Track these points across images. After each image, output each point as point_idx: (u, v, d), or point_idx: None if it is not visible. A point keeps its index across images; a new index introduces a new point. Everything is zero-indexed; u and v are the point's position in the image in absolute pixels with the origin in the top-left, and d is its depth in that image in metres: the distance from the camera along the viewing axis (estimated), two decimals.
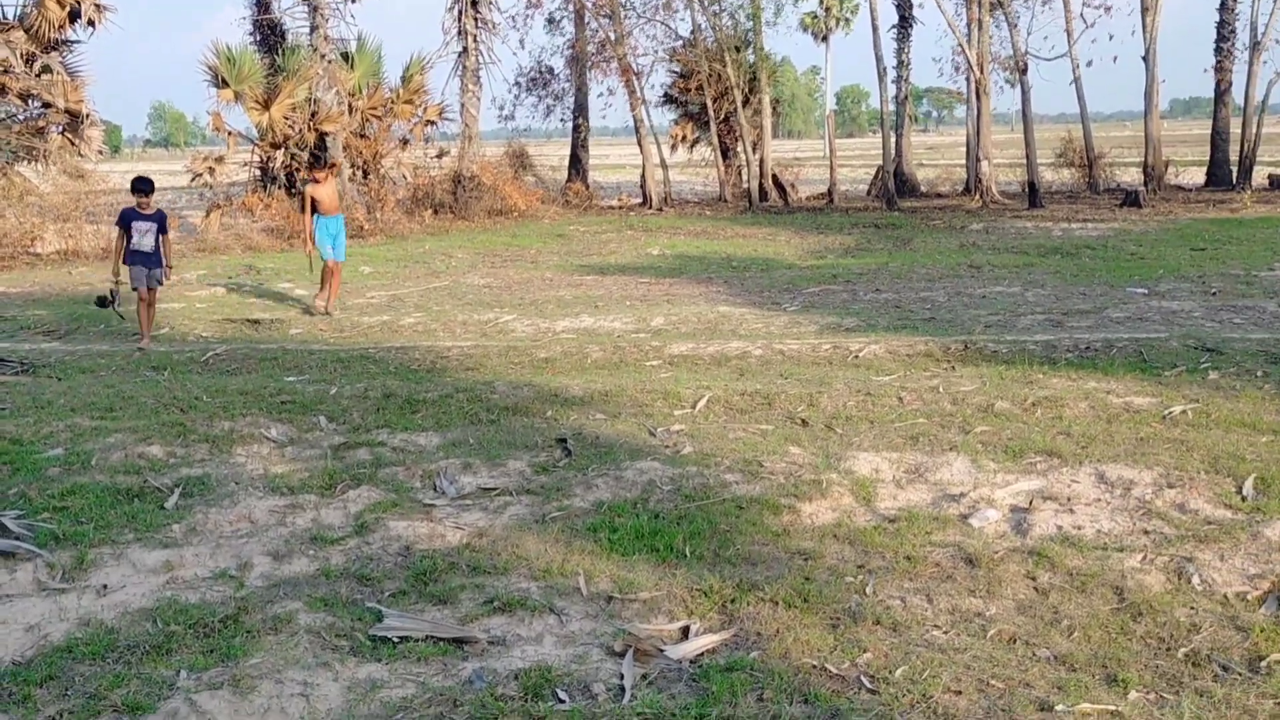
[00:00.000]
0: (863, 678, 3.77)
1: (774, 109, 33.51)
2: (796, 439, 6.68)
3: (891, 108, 31.13)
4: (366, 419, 7.30)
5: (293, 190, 22.21)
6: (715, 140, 30.51)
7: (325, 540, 5.16)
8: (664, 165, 30.06)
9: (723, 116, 30.38)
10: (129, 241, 10.41)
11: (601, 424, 7.10)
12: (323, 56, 23.05)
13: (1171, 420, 6.85)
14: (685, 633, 4.19)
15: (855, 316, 11.40)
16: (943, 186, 32.43)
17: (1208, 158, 30.42)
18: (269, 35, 25.07)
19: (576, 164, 31.93)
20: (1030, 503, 5.53)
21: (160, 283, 10.65)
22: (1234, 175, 28.41)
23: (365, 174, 24.54)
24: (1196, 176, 30.90)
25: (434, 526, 5.30)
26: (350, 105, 23.90)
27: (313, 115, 22.91)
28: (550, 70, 32.50)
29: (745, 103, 29.93)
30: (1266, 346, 8.98)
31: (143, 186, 10.42)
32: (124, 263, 10.58)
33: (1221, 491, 5.59)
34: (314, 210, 12.42)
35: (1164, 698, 3.66)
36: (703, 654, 4.01)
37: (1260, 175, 29.28)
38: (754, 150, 29.93)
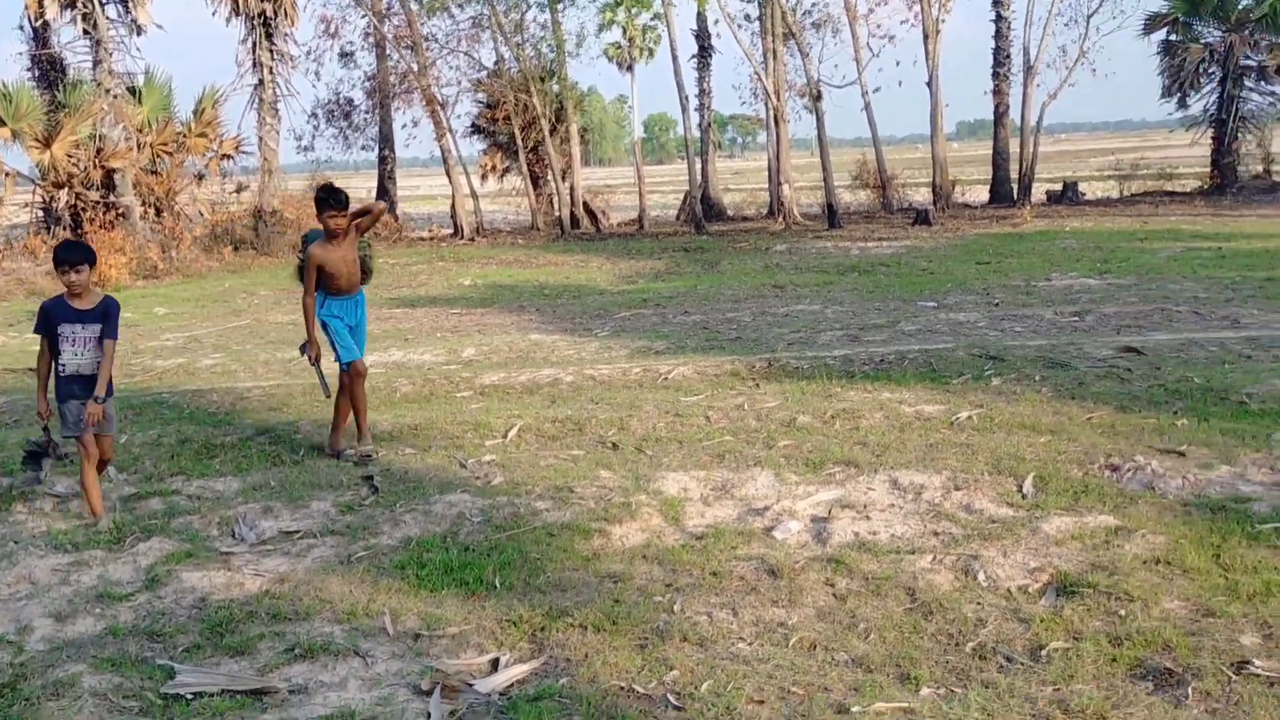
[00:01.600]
0: (669, 695, 3.81)
1: (582, 137, 33.83)
2: (607, 463, 6.73)
3: (696, 135, 31.91)
4: (160, 467, 6.98)
5: (78, 229, 21.06)
6: (525, 169, 30.57)
7: (113, 597, 4.90)
8: (474, 195, 29.94)
9: (531, 146, 30.47)
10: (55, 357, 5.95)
11: (411, 458, 6.99)
12: (107, 91, 22.08)
13: (958, 426, 7.21)
14: (495, 665, 4.15)
15: (665, 339, 11.58)
16: (748, 210, 33.36)
17: (990, 176, 32.27)
18: (48, 71, 23.78)
19: (384, 195, 31.43)
20: (829, 512, 5.72)
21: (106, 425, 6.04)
22: (1015, 192, 30.25)
23: (159, 212, 23.52)
24: (981, 194, 32.75)
25: (231, 575, 5.10)
26: (139, 141, 22.92)
27: (98, 152, 21.86)
28: (350, 102, 31.98)
29: (553, 131, 30.11)
30: (1044, 352, 9.56)
31: (68, 256, 5.91)
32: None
33: (1004, 491, 5.91)
34: (320, 286, 7.04)
35: (953, 692, 3.83)
36: (512, 685, 3.98)
37: (1039, 191, 31.28)
38: (564, 178, 30.14)
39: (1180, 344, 9.75)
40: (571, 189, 30.37)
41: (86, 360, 5.86)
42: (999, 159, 31.40)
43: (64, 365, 5.87)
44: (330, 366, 7.28)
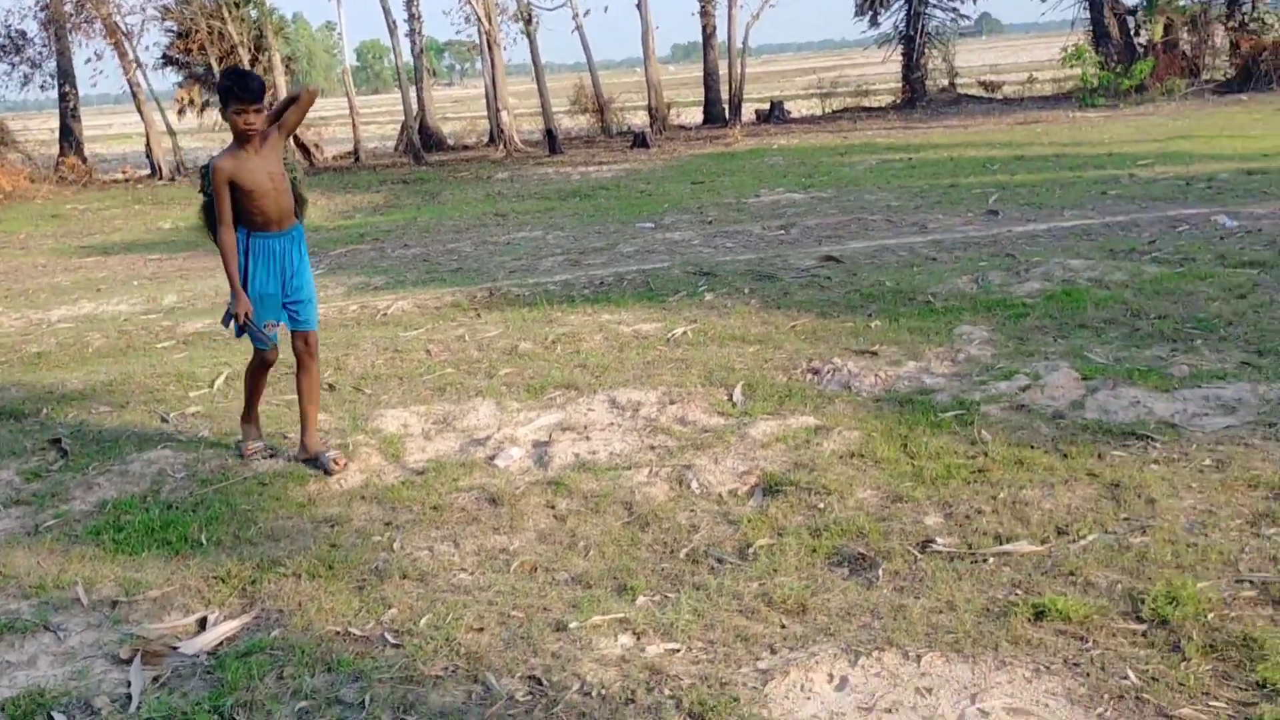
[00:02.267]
0: (387, 634, 3.76)
1: (287, 67, 32.17)
2: (324, 405, 6.50)
3: (410, 62, 30.98)
4: None
5: None
6: None
7: None
8: (171, 132, 28.04)
9: None
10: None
11: (106, 417, 6.52)
12: None
13: (674, 342, 7.41)
14: (202, 624, 3.96)
15: (383, 274, 11.29)
16: (469, 139, 32.85)
17: (703, 98, 33.10)
18: None
19: (69, 136, 28.94)
20: (550, 436, 5.77)
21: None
22: (726, 113, 31.15)
23: None
24: (696, 116, 33.56)
25: None
26: None
27: None
28: (22, 35, 29.10)
29: (254, 61, 28.49)
30: (752, 266, 9.95)
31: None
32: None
33: (715, 401, 6.13)
34: (238, 219, 5.23)
35: (667, 597, 3.97)
36: (222, 643, 3.81)
37: (749, 111, 32.35)
38: None
39: (874, 251, 10.37)
40: None
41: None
42: (710, 80, 32.22)
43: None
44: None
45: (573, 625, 3.76)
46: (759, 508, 4.76)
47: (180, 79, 31.52)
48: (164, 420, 6.39)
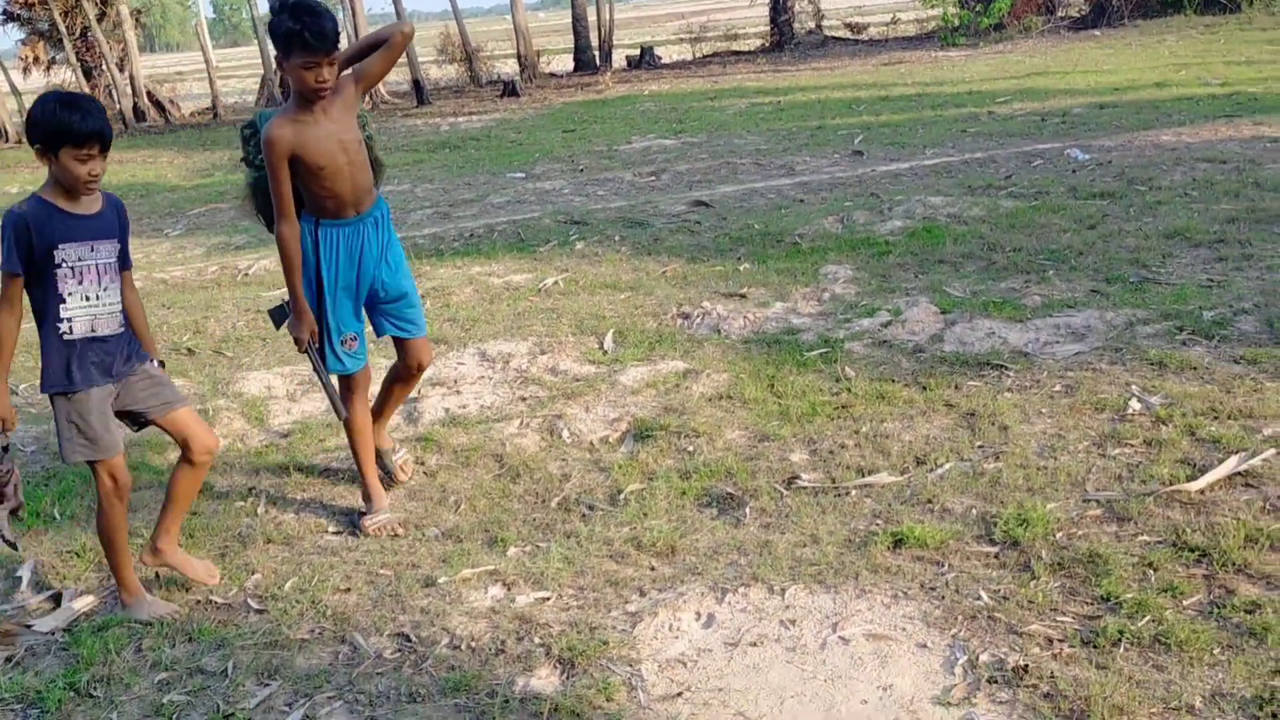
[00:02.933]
0: (250, 600, 3.69)
1: (138, 20, 30.77)
2: (182, 370, 6.31)
3: (266, 12, 29.89)
4: None
5: None
6: (74, 60, 27.45)
7: None
8: (16, 93, 26.60)
9: (79, 32, 27.37)
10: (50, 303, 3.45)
11: None
12: None
13: (545, 292, 7.37)
14: (57, 601, 3.83)
15: (244, 234, 10.94)
16: None
17: (573, 45, 32.73)
18: None
19: None
20: (418, 392, 5.69)
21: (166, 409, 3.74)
22: (597, 59, 30.88)
23: None
24: (567, 64, 33.17)
25: None
26: None
27: None
28: None
29: (102, 16, 27.19)
30: (623, 213, 9.93)
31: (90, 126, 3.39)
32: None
33: (587, 350, 6.13)
34: (300, 202, 4.06)
35: (538, 547, 3.97)
36: (78, 619, 3.69)
37: (619, 57, 32.12)
38: (121, 69, 27.40)
39: (743, 194, 10.44)
40: (132, 79, 27.69)
41: (108, 308, 3.53)
42: (578, 27, 31.84)
43: (69, 322, 3.44)
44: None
45: (442, 580, 3.74)
46: (629, 454, 4.79)
47: (23, 36, 29.88)
48: (14, 393, 6.11)
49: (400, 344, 4.43)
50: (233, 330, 7.09)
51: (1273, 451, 4.09)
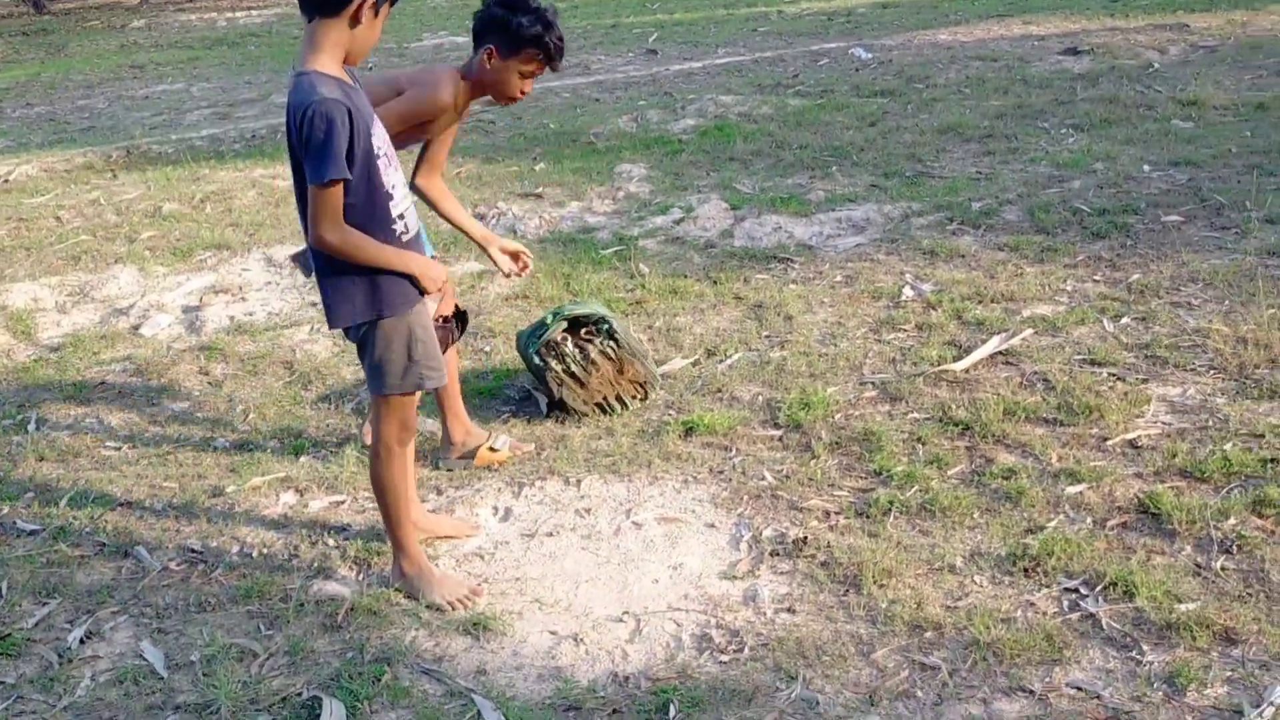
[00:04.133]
0: (19, 520, 3.51)
1: None
2: None
3: None
4: None
5: None
6: None
7: None
8: None
9: None
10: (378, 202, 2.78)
11: None
12: None
13: None
14: None
15: (3, 137, 10.13)
16: None
17: None
18: None
19: None
20: (201, 300, 5.47)
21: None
22: None
23: None
24: None
25: None
26: None
27: None
28: None
29: None
30: None
31: None
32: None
33: None
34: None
35: (331, 452, 3.91)
36: None
37: None
38: None
39: (539, 93, 10.29)
40: None
41: (410, 197, 3.13)
42: None
43: (403, 219, 2.85)
44: None
45: (230, 490, 3.66)
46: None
47: None
48: None
49: None
50: None
51: (1030, 331, 4.40)
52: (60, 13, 23.46)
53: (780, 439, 3.80)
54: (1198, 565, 2.92)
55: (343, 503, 3.57)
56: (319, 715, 2.57)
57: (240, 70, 13.28)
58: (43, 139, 9.87)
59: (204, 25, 19.03)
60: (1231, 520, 3.07)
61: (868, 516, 3.28)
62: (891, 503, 3.32)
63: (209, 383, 4.59)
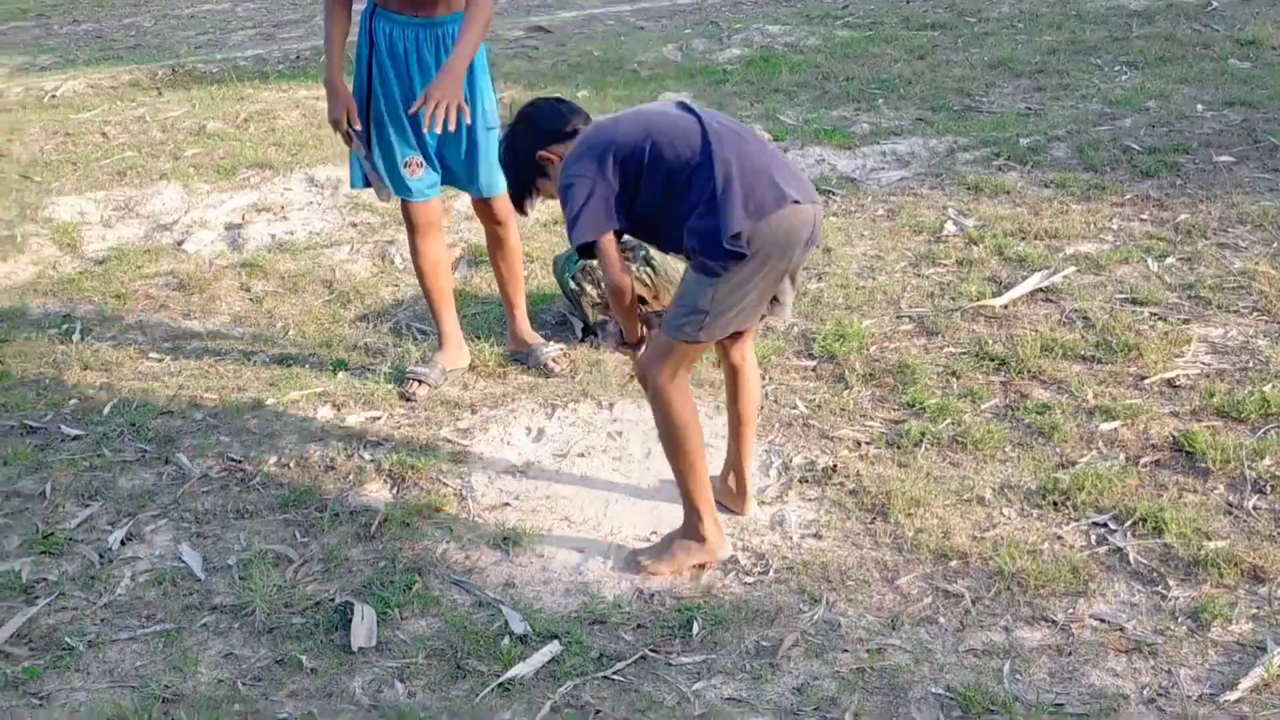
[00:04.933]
0: (63, 425, 3.59)
1: None
2: None
3: None
4: None
5: None
6: None
7: None
8: None
9: None
10: None
11: None
12: None
13: None
14: None
15: (51, 53, 10.18)
16: None
17: None
18: None
19: None
20: (244, 218, 5.51)
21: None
22: None
23: None
24: None
25: None
26: None
27: None
28: None
29: None
30: None
31: None
32: None
33: None
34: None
35: (369, 370, 3.95)
36: None
37: None
38: None
39: (584, 20, 10.19)
40: None
41: None
42: None
43: None
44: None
45: (269, 402, 3.72)
46: (464, 279, 4.77)
47: None
48: None
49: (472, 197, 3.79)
50: (40, 154, 6.66)
51: (1073, 269, 4.35)
52: None
53: (814, 369, 3.80)
54: (1229, 504, 2.91)
55: (379, 418, 3.62)
56: (350, 620, 2.64)
57: None
58: (89, 56, 9.91)
59: None
60: (1267, 461, 3.05)
61: (898, 447, 3.29)
62: (923, 434, 3.32)
63: (250, 299, 4.64)
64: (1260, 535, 2.77)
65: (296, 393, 3.77)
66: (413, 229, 3.75)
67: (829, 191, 5.42)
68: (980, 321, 4.04)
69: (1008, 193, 5.21)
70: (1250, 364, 3.58)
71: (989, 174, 5.46)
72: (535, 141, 2.78)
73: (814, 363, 3.85)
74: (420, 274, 3.83)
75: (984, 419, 3.40)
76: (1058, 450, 3.22)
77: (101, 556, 2.94)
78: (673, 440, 2.73)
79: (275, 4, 12.21)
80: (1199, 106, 6.22)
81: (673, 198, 2.59)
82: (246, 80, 8.36)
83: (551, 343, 4.01)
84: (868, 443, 3.33)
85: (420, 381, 3.76)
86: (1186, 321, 3.89)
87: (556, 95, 2.93)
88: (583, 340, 4.11)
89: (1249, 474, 3.00)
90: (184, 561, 2.91)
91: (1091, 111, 6.30)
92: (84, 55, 9.97)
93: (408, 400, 3.70)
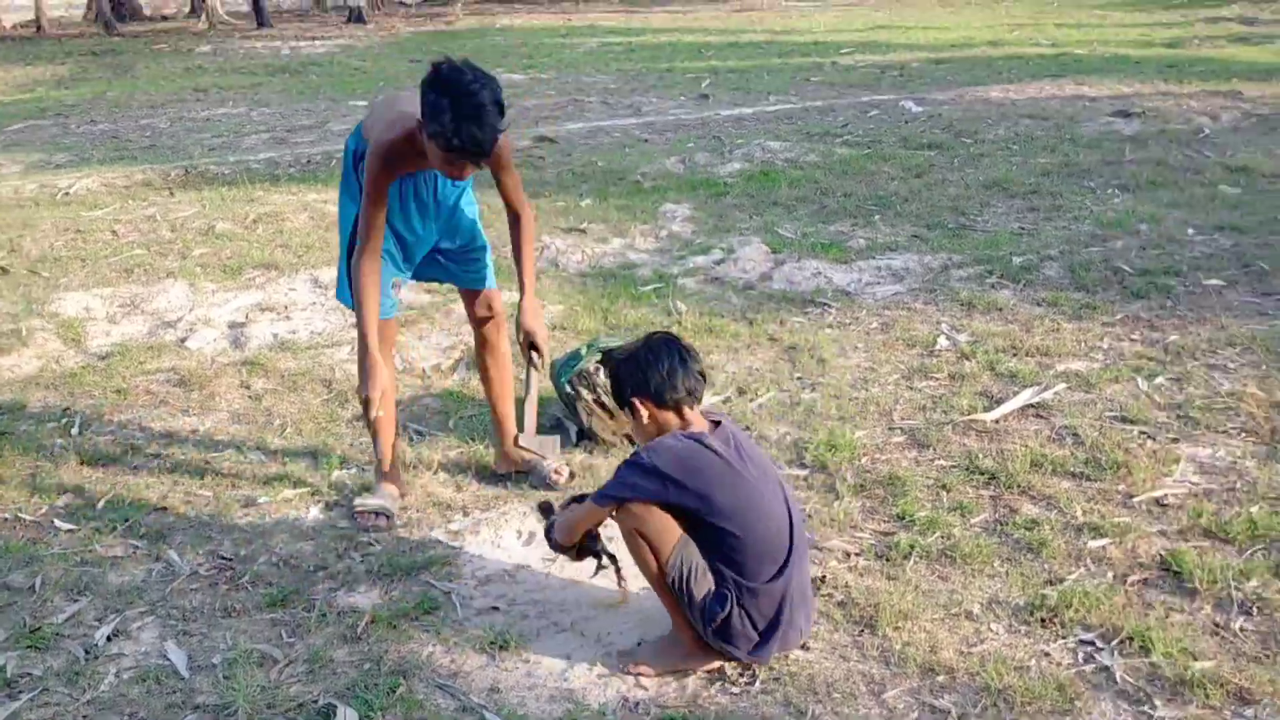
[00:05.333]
0: (57, 519, 3.60)
1: None
2: None
3: None
4: None
5: None
6: None
7: None
8: None
9: None
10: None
11: None
12: None
13: None
14: None
15: (67, 151, 10.43)
16: (167, 9, 30.48)
17: None
18: None
19: None
20: (247, 317, 5.59)
21: None
22: None
23: None
24: None
25: None
26: None
27: None
28: None
29: None
30: None
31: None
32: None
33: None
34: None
35: (363, 469, 3.97)
36: None
37: None
38: None
39: (589, 132, 10.46)
40: None
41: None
42: None
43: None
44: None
45: (263, 500, 3.73)
46: (461, 380, 4.82)
47: None
48: None
49: (466, 294, 3.86)
50: (50, 250, 6.79)
51: (1063, 386, 4.40)
52: (130, 35, 24.14)
53: (805, 479, 3.82)
54: (1216, 624, 2.91)
55: None
56: None
57: (300, 97, 13.59)
58: (104, 155, 10.14)
59: (269, 53, 19.48)
60: (1253, 582, 3.05)
61: (888, 559, 3.29)
62: (913, 547, 3.32)
63: (249, 396, 4.69)
64: (1246, 656, 2.77)
65: (290, 491, 3.79)
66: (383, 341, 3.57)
67: (825, 304, 5.51)
68: (971, 435, 4.07)
69: (1000, 310, 5.29)
70: (1238, 484, 3.60)
71: (982, 291, 5.55)
72: (637, 388, 2.83)
73: (806, 472, 3.87)
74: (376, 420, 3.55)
75: (973, 533, 3.41)
76: (1046, 566, 3.22)
77: (87, 652, 2.93)
78: (637, 556, 2.80)
79: (289, 110, 12.54)
80: (1190, 230, 6.35)
81: (719, 556, 2.72)
82: (257, 182, 8.55)
83: (550, 459, 3.82)
84: (857, 554, 3.34)
85: (382, 515, 3.59)
86: (1175, 441, 3.92)
87: (683, 343, 2.86)
88: (578, 444, 4.15)
89: (1235, 595, 3.01)
90: (169, 659, 2.90)
91: (1084, 232, 6.43)
92: (99, 154, 10.20)
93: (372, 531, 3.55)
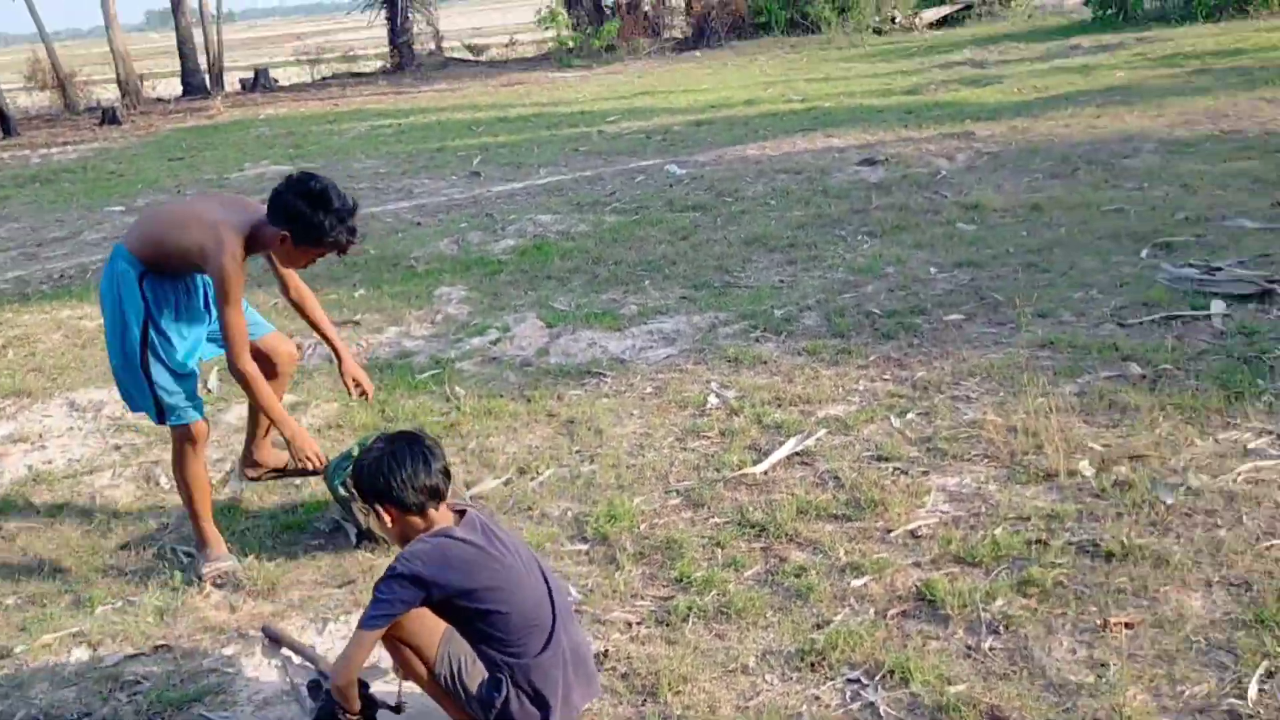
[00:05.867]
0: None
1: None
2: None
3: None
4: None
5: None
6: None
7: None
8: None
9: None
10: None
11: None
12: None
13: None
14: None
15: None
16: None
17: (180, 68, 31.04)
18: None
19: None
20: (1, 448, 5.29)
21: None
22: (208, 82, 29.47)
23: None
24: (176, 87, 31.40)
25: None
26: None
27: None
28: None
29: None
30: None
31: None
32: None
33: None
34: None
35: (129, 602, 3.80)
36: None
37: (232, 80, 30.81)
38: None
39: (360, 219, 10.34)
40: None
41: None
42: (184, 49, 30.21)
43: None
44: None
45: (20, 650, 3.52)
46: (234, 493, 4.69)
47: None
48: None
49: (264, 339, 4.36)
50: None
51: (824, 432, 4.63)
52: None
53: (587, 553, 3.88)
54: (968, 647, 3.10)
55: (138, 655, 3.47)
56: None
57: (51, 208, 12.95)
58: None
59: (16, 163, 18.49)
60: (999, 601, 3.28)
61: (667, 624, 3.38)
62: (690, 608, 3.42)
63: (1, 537, 4.42)
64: (996, 675, 2.96)
65: (50, 635, 3.59)
66: (194, 443, 4.00)
67: (600, 374, 5.62)
68: (742, 489, 4.23)
69: (764, 363, 5.53)
70: (982, 509, 3.87)
71: (747, 346, 5.78)
72: (380, 495, 2.86)
73: (587, 546, 3.93)
74: (195, 487, 4.03)
75: (746, 586, 3.54)
76: (814, 610, 3.37)
77: None
78: (403, 666, 2.84)
79: (40, 222, 11.95)
80: (932, 269, 6.80)
81: (486, 639, 2.75)
82: (6, 303, 8.11)
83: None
84: (638, 623, 3.41)
85: (233, 574, 3.92)
86: (925, 473, 4.18)
87: (426, 442, 2.91)
88: (358, 546, 4.09)
89: (984, 616, 3.22)
90: None
91: (838, 280, 6.79)
92: None
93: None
